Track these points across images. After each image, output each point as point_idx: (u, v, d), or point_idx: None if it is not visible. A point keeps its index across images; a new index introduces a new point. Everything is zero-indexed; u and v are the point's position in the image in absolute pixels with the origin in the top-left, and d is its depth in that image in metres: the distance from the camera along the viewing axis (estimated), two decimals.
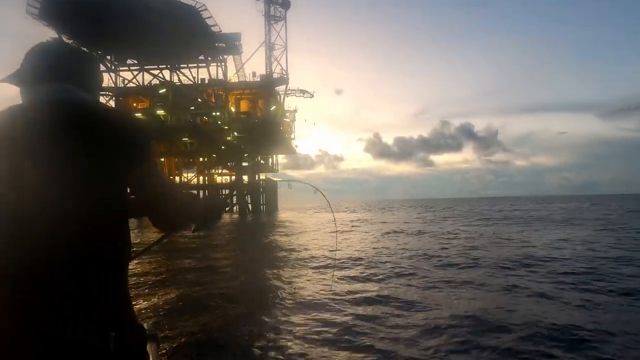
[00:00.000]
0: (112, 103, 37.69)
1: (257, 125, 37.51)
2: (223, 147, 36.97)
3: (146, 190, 1.02)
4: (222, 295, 6.29)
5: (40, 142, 0.90)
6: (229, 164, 40.59)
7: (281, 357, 3.80)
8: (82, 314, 0.86)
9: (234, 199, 41.45)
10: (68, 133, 0.92)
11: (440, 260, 9.31)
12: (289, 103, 45.65)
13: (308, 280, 7.42)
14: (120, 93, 38.03)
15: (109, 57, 36.92)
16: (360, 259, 9.89)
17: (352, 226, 21.74)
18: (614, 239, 13.11)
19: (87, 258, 0.89)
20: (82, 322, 0.85)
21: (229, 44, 35.92)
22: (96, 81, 1.13)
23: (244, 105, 40.63)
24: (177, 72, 36.80)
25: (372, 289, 6.59)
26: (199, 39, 32.23)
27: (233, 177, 41.65)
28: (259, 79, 40.01)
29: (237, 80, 39.96)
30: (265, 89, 39.69)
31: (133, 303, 1.03)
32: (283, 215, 39.08)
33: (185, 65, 37.04)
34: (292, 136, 46.20)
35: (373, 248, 11.95)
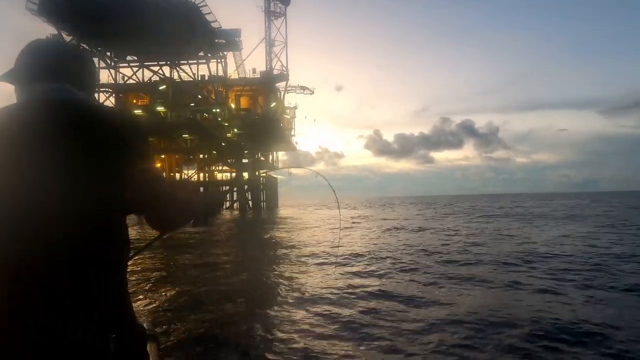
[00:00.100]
0: (112, 100, 37.65)
1: (257, 122, 37.45)
2: (223, 144, 36.92)
3: (144, 189, 1.00)
4: (223, 292, 6.28)
5: (38, 142, 0.89)
6: (229, 160, 40.57)
7: (283, 353, 3.78)
8: (82, 314, 0.85)
9: (235, 195, 41.51)
10: (65, 132, 0.91)
11: (442, 257, 9.30)
12: (289, 100, 45.62)
13: (309, 276, 7.41)
14: (120, 90, 37.95)
15: (108, 54, 36.82)
16: (362, 254, 9.89)
17: (353, 222, 21.75)
18: (615, 235, 13.10)
19: (87, 258, 0.88)
20: (82, 322, 0.84)
21: (228, 40, 35.79)
22: (92, 79, 1.12)
23: (244, 102, 40.55)
24: (177, 68, 36.68)
25: (373, 284, 6.58)
26: (199, 35, 32.11)
27: (233, 174, 41.66)
28: (259, 76, 39.91)
29: (237, 77, 39.85)
30: (266, 86, 39.60)
31: (133, 301, 1.01)
32: (283, 211, 39.15)
33: (185, 62, 36.91)
34: (292, 133, 46.18)
35: (374, 244, 11.95)
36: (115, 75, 37.65)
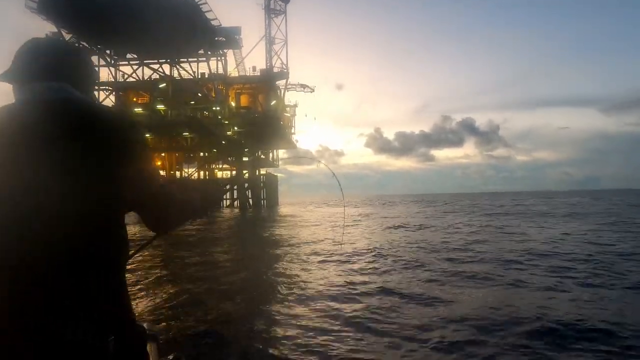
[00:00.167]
0: (112, 98, 37.59)
1: (258, 119, 37.37)
2: (223, 142, 36.88)
3: (141, 189, 1.00)
4: (223, 291, 6.27)
5: (38, 142, 0.89)
6: (229, 158, 40.52)
7: (284, 350, 3.77)
8: (82, 314, 0.85)
9: (235, 193, 41.50)
10: (65, 132, 0.91)
11: (443, 254, 9.29)
12: (290, 98, 45.62)
13: (310, 274, 7.40)
14: (120, 88, 37.88)
15: (108, 52, 36.71)
16: (363, 251, 9.89)
17: (354, 220, 21.75)
18: (617, 233, 13.09)
19: (87, 258, 0.89)
20: (82, 322, 0.85)
21: (229, 38, 35.69)
22: (90, 78, 1.11)
23: (244, 100, 40.45)
24: (177, 66, 36.58)
25: (375, 281, 6.57)
26: (199, 33, 32.02)
27: (234, 172, 41.63)
28: (259, 74, 39.79)
29: (237, 75, 39.76)
30: (266, 84, 39.50)
31: (133, 300, 1.01)
32: (284, 209, 39.14)
33: (185, 60, 36.79)
34: (293, 131, 46.08)
35: (376, 241, 11.94)
36: (115, 74, 37.57)
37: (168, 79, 36.15)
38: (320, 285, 6.46)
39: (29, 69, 0.99)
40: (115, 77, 37.45)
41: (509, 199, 66.19)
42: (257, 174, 42.59)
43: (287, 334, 4.21)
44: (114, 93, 37.72)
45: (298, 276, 7.27)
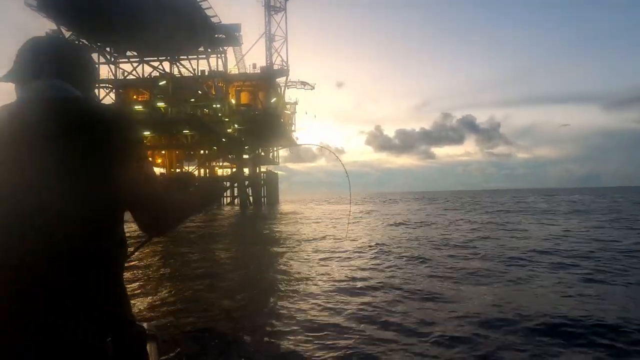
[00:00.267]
0: (112, 95, 37.55)
1: (258, 117, 37.34)
2: (224, 140, 36.87)
3: (139, 189, 0.98)
4: (224, 288, 6.27)
5: (37, 141, 0.89)
6: (229, 156, 40.53)
7: (285, 347, 3.76)
8: (82, 314, 0.86)
9: (235, 191, 41.52)
10: (64, 131, 0.91)
11: (445, 251, 9.27)
12: (290, 95, 45.43)
13: (311, 271, 7.38)
14: (120, 85, 37.83)
15: (108, 49, 36.65)
16: (366, 248, 9.89)
17: (355, 218, 21.75)
18: (619, 229, 13.08)
19: (87, 258, 0.89)
20: (82, 322, 0.85)
21: (228, 35, 35.61)
22: (91, 76, 1.11)
23: (244, 97, 40.40)
24: (177, 63, 36.54)
25: (377, 277, 6.57)
26: (199, 30, 31.95)
27: (234, 170, 41.63)
28: (259, 71, 39.74)
29: (237, 72, 39.71)
30: (266, 81, 39.44)
31: (132, 299, 1.00)
32: (285, 207, 39.18)
33: (185, 57, 36.75)
34: (293, 128, 46.06)
35: (378, 237, 11.95)
36: (115, 71, 37.51)
37: (168, 76, 36.09)
38: (322, 281, 6.45)
39: (30, 67, 1.00)
40: (115, 75, 37.40)
41: (510, 196, 66.23)
42: (257, 171, 42.62)
43: (288, 330, 4.19)
44: (114, 90, 37.67)
45: (299, 272, 7.26)
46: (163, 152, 40.10)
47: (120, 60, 37.97)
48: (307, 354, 3.61)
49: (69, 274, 0.86)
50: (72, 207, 0.86)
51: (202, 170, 41.49)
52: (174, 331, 4.20)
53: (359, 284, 6.16)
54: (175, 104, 35.03)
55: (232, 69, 39.24)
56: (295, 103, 46.15)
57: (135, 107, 35.78)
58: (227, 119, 36.49)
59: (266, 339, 4.00)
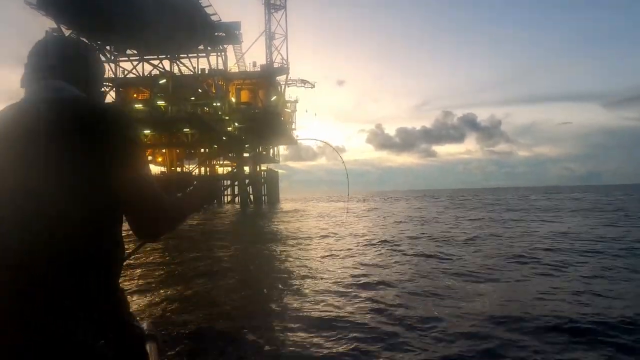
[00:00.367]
0: (112, 94, 37.51)
1: (258, 115, 37.31)
2: (224, 138, 36.84)
3: (136, 190, 0.97)
4: (224, 287, 6.26)
5: (35, 141, 0.89)
6: (230, 154, 40.50)
7: (286, 346, 3.76)
8: (82, 314, 0.86)
9: (236, 189, 41.50)
10: (64, 132, 0.91)
11: (447, 248, 9.25)
12: (290, 93, 45.39)
13: (312, 270, 7.37)
14: (120, 84, 37.79)
15: (108, 48, 36.60)
16: (370, 245, 9.91)
17: (356, 216, 21.76)
18: (623, 227, 13.07)
19: (87, 258, 0.89)
20: (82, 322, 0.85)
21: (228, 33, 35.53)
22: (95, 75, 1.11)
23: (244, 96, 40.35)
24: (177, 62, 36.50)
25: (380, 273, 6.56)
26: (199, 29, 31.90)
27: (234, 168, 41.61)
28: (259, 69, 39.67)
29: (237, 70, 39.63)
30: (266, 79, 39.38)
31: (132, 298, 1.01)
32: (285, 205, 39.17)
33: (185, 55, 36.71)
34: (293, 127, 45.98)
35: (381, 234, 11.93)
36: (115, 69, 37.47)
37: (168, 74, 36.05)
38: (323, 279, 6.44)
39: (36, 69, 1.02)
40: (115, 73, 37.38)
41: (511, 194, 66.20)
42: (258, 170, 42.59)
43: (288, 329, 4.18)
44: (114, 89, 37.64)
45: (300, 271, 7.25)
46: (163, 150, 40.05)
47: (120, 58, 37.94)
48: (308, 353, 3.61)
49: (69, 274, 0.86)
50: (72, 207, 0.87)
51: (202, 169, 41.55)
52: (174, 331, 4.19)
53: (361, 280, 6.17)
54: (175, 103, 35.00)
55: (232, 67, 39.20)
56: (296, 101, 46.10)
57: (136, 105, 35.74)
58: (227, 118, 36.45)
59: (266, 338, 3.98)
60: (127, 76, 37.81)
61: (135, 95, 38.99)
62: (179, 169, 40.50)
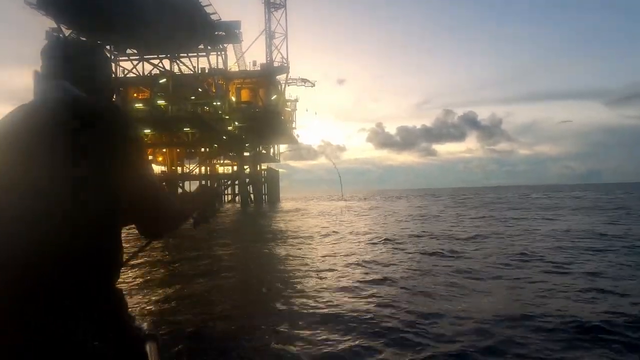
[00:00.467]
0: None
1: (258, 114, 37.30)
2: (224, 137, 36.86)
3: (139, 190, 0.99)
4: (225, 287, 6.25)
5: (37, 142, 0.91)
6: (230, 154, 40.50)
7: (287, 346, 3.74)
8: (82, 314, 0.86)
9: (236, 189, 41.51)
10: (65, 132, 0.91)
11: (449, 246, 9.25)
12: (290, 92, 45.37)
13: (312, 269, 7.36)
14: (121, 83, 37.79)
15: (108, 47, 36.57)
16: (370, 243, 9.90)
17: (356, 215, 21.76)
18: (626, 225, 13.05)
19: (87, 258, 0.89)
20: (82, 322, 0.85)
21: (228, 33, 35.52)
22: (99, 76, 1.13)
23: (244, 95, 40.35)
24: (177, 61, 36.50)
25: (382, 271, 6.55)
26: (199, 28, 31.90)
27: (235, 167, 41.62)
28: (259, 68, 39.65)
29: (237, 70, 39.61)
30: (266, 78, 39.37)
31: (133, 298, 1.00)
32: (286, 204, 39.19)
33: (185, 55, 36.72)
34: (294, 126, 45.98)
35: (382, 233, 11.93)
36: (115, 69, 37.45)
37: (168, 74, 36.06)
38: (325, 277, 6.43)
39: (44, 69, 1.05)
40: (115, 73, 37.37)
41: (512, 192, 66.20)
42: (258, 169, 42.61)
43: (289, 329, 4.16)
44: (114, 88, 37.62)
45: (300, 270, 7.24)
46: (164, 150, 40.08)
47: (120, 58, 37.94)
48: (309, 352, 3.59)
49: (69, 274, 0.86)
50: (73, 207, 0.87)
51: (203, 168, 41.57)
52: (174, 331, 4.17)
53: (364, 278, 6.15)
54: (175, 102, 35.01)
55: (232, 66, 39.17)
56: (296, 100, 46.10)
57: (136, 105, 35.76)
58: (227, 117, 36.45)
59: (266, 339, 3.96)
60: (127, 76, 37.82)
61: (135, 95, 39.01)
62: (179, 169, 40.55)
